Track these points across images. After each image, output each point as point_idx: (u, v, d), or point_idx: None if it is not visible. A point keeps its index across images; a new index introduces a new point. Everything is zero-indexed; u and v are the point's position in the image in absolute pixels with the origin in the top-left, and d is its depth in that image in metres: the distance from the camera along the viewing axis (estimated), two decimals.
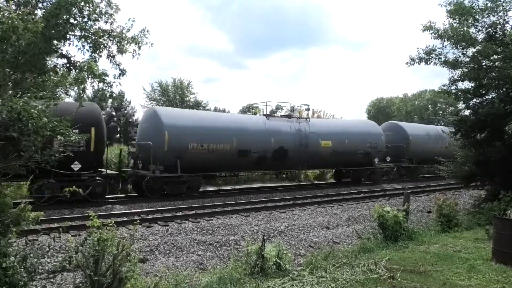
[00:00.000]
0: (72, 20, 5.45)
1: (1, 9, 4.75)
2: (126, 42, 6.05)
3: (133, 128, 39.28)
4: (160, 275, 6.07)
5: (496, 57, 11.81)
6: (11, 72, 4.96)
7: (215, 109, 42.87)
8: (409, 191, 10.07)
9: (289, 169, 19.62)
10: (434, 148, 23.86)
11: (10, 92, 4.93)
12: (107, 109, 38.19)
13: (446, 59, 12.07)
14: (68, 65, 5.83)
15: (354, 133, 20.67)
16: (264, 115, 18.84)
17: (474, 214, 11.03)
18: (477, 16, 11.29)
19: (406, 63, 12.49)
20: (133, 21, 6.12)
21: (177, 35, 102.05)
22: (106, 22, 5.90)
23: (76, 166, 12.10)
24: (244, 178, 22.10)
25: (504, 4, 11.05)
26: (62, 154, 5.20)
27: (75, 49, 5.72)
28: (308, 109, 22.34)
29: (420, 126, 27.87)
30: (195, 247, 8.09)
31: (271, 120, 18.40)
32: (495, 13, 11.18)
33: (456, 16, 11.57)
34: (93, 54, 5.87)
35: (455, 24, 11.76)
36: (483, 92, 11.98)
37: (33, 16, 4.83)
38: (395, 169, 23.08)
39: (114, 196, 14.50)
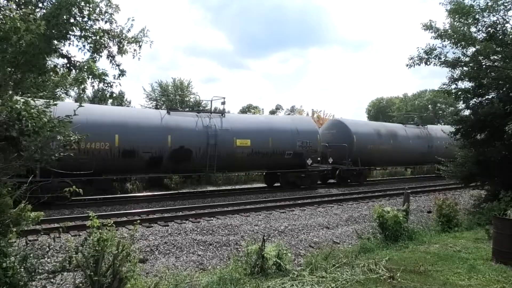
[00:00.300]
0: (72, 20, 5.45)
1: (3, 8, 4.76)
2: (126, 42, 6.05)
3: None
4: (160, 275, 6.08)
5: (496, 57, 11.81)
6: (12, 72, 4.97)
7: (215, 109, 42.81)
8: (409, 191, 10.07)
9: (195, 173, 16.72)
10: (385, 148, 21.70)
11: (11, 92, 4.93)
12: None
13: (446, 59, 12.06)
14: (68, 65, 5.83)
15: (281, 130, 17.84)
16: (166, 108, 16.26)
17: (474, 214, 11.03)
18: (477, 16, 11.29)
19: (407, 65, 12.46)
20: (133, 20, 6.12)
21: (177, 35, 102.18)
22: (106, 22, 5.90)
23: None
24: (244, 178, 21.98)
25: (505, 3, 11.04)
26: (62, 154, 5.20)
27: (75, 49, 5.72)
28: (223, 103, 19.11)
29: (368, 124, 24.85)
30: (195, 247, 8.09)
31: (173, 114, 15.61)
32: (496, 13, 11.18)
33: (456, 16, 11.57)
34: (93, 54, 5.87)
35: (455, 23, 11.76)
36: (483, 92, 11.97)
37: (33, 17, 4.83)
38: (337, 172, 20.28)
39: None
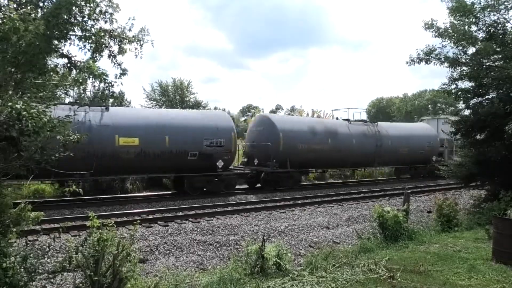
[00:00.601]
0: (72, 20, 5.44)
1: (3, 9, 4.76)
2: (127, 41, 6.04)
3: None
4: (160, 275, 6.08)
5: (496, 56, 11.82)
6: (12, 72, 4.97)
7: (215, 109, 42.83)
8: (409, 191, 10.08)
9: (62, 177, 12.78)
10: (321, 148, 18.92)
11: (11, 92, 4.93)
12: None
13: (447, 55, 12.06)
14: (69, 65, 5.83)
15: (182, 127, 15.11)
16: None
17: (474, 214, 11.04)
18: (478, 14, 11.29)
19: (407, 62, 12.52)
20: (133, 19, 6.12)
21: (177, 35, 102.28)
22: (106, 21, 5.90)
23: None
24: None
25: (506, 3, 11.06)
26: (62, 154, 5.20)
27: (76, 49, 5.67)
28: (116, 97, 16.12)
29: (301, 120, 21.47)
30: (195, 247, 8.10)
31: None
32: (496, 12, 11.19)
33: (457, 14, 11.57)
34: (94, 54, 5.87)
35: (456, 22, 11.76)
36: (483, 91, 11.99)
37: (33, 17, 4.83)
38: (261, 175, 17.68)
39: None
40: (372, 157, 21.25)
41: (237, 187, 17.50)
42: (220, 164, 15.66)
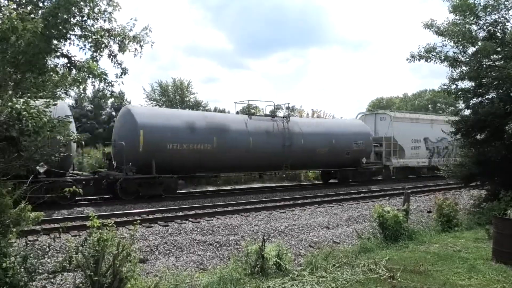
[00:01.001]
0: (72, 20, 5.44)
1: (2, 9, 4.76)
2: (128, 41, 6.04)
3: None
4: (160, 275, 6.08)
5: (496, 56, 11.82)
6: (12, 72, 4.97)
7: (215, 109, 42.83)
8: (409, 190, 10.07)
9: None
10: (203, 148, 15.26)
11: (11, 92, 4.93)
12: (107, 109, 38.16)
13: (447, 54, 12.05)
14: (68, 65, 5.82)
15: None
16: None
17: (474, 214, 11.03)
18: (479, 14, 11.29)
19: (407, 59, 12.50)
20: (135, 20, 6.11)
21: (177, 35, 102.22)
22: (105, 21, 5.89)
23: None
24: (245, 178, 21.80)
25: (506, 1, 11.06)
26: (62, 154, 5.21)
27: (76, 49, 5.68)
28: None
29: (176, 114, 16.69)
30: (195, 247, 8.09)
31: None
32: (497, 11, 11.18)
33: (459, 13, 11.55)
34: (94, 53, 5.86)
35: (457, 21, 11.74)
36: (483, 91, 11.99)
37: (32, 16, 4.83)
38: (118, 182, 13.69)
39: None
40: (279, 159, 17.52)
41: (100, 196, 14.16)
42: (41, 168, 12.13)
